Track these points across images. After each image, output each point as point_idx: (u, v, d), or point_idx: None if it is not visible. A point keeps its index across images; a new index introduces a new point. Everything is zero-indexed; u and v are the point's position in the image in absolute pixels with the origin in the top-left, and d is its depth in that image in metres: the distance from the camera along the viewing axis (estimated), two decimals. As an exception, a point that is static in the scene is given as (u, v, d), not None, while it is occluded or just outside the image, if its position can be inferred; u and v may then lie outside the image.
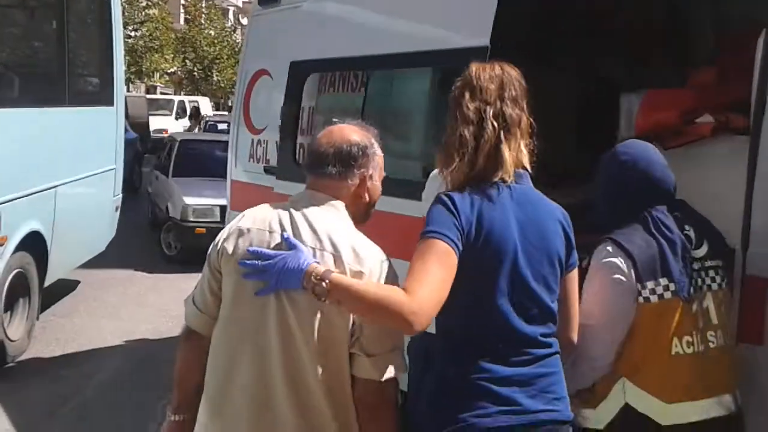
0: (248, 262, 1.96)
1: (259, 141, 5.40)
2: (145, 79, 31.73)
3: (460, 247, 1.96)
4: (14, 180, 5.49)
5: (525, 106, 2.11)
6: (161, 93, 34.24)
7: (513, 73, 2.13)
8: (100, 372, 5.59)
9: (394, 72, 4.29)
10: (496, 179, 2.05)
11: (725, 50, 3.38)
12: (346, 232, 2.02)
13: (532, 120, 2.12)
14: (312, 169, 2.11)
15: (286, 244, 1.95)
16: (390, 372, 1.99)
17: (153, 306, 7.40)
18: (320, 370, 1.97)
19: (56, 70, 6.49)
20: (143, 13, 29.22)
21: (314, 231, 1.98)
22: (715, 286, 2.33)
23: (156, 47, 29.59)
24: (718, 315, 2.32)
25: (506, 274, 2.01)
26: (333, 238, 1.98)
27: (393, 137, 3.90)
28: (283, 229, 1.99)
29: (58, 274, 6.64)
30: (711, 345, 2.28)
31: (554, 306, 2.09)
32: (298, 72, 4.76)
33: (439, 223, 1.97)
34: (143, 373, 5.49)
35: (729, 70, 3.11)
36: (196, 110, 21.46)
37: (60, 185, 6.23)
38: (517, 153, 2.08)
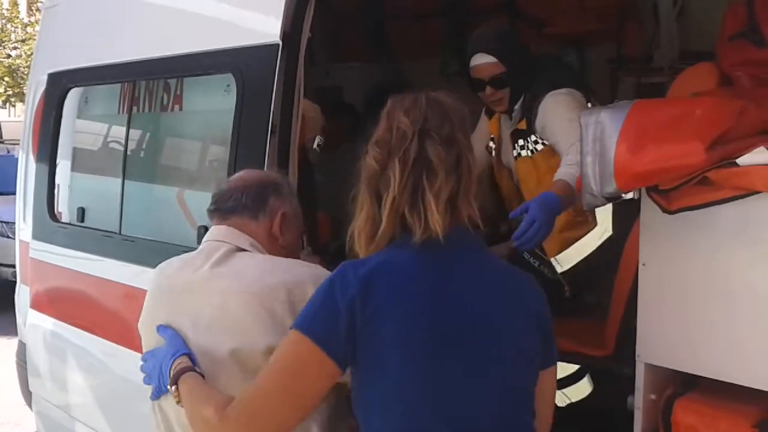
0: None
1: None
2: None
3: (336, 346, 1.50)
4: None
5: (466, 142, 1.61)
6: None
7: (445, 100, 1.62)
8: None
9: (164, 81, 2.99)
10: (412, 240, 1.55)
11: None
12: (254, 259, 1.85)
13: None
14: (217, 208, 1.95)
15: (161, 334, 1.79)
16: None
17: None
18: None
19: None
20: (24, 30, 27.13)
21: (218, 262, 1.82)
22: None
23: (40, 67, 27.46)
24: None
25: (412, 369, 1.51)
26: (236, 265, 1.82)
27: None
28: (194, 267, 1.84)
29: None
30: None
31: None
32: (57, 87, 3.42)
33: (311, 312, 1.54)
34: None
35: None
36: None
37: None
38: (461, 204, 1.57)
